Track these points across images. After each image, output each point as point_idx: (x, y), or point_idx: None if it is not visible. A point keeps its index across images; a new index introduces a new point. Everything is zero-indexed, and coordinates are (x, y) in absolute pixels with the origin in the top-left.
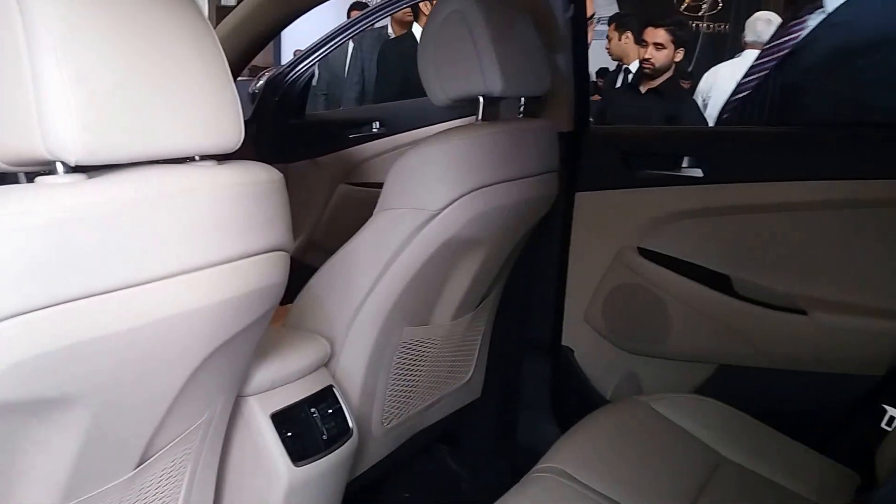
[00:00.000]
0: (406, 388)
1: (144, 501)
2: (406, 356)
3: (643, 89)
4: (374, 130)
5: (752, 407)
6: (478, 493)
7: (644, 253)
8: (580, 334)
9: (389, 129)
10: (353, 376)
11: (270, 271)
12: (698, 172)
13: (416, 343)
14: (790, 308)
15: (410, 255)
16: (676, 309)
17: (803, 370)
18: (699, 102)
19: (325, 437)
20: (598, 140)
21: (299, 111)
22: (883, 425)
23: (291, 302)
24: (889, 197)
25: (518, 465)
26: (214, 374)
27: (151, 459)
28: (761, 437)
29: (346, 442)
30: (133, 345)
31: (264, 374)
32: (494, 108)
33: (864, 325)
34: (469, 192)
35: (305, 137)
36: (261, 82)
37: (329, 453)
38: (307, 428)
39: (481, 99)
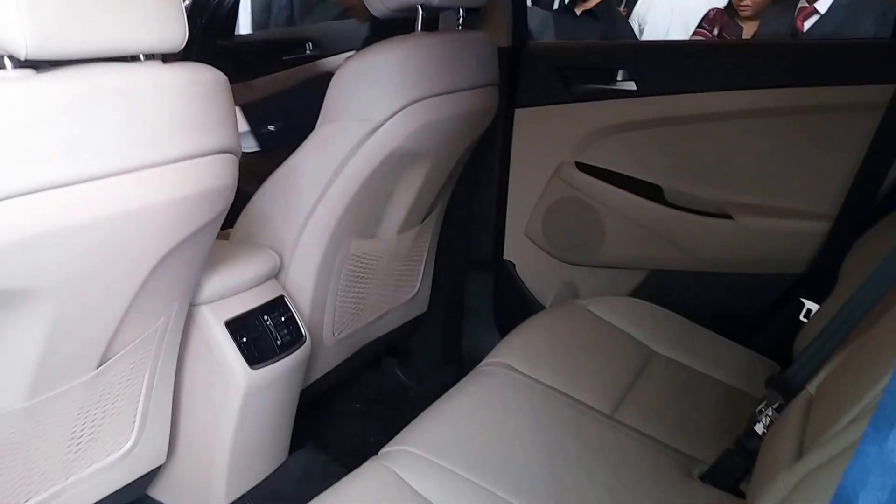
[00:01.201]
0: (355, 301)
1: (106, 404)
2: (354, 269)
3: (578, 11)
4: (308, 52)
5: (681, 307)
6: (425, 400)
7: (581, 167)
8: (521, 248)
9: (323, 51)
10: (303, 288)
11: (220, 172)
12: (632, 86)
13: (364, 256)
14: (717, 214)
15: (355, 168)
16: (612, 219)
17: (729, 271)
18: (635, 28)
19: (279, 342)
20: (536, 56)
21: (228, 32)
22: (801, 318)
23: (231, 227)
24: (807, 104)
25: (464, 374)
26: (170, 277)
27: (111, 360)
28: (689, 333)
29: (299, 347)
30: (91, 240)
31: (216, 284)
32: (433, 20)
33: (786, 227)
34: (411, 104)
35: (236, 60)
36: (186, 2)
37: (283, 358)
38: (261, 334)
39: (420, 9)
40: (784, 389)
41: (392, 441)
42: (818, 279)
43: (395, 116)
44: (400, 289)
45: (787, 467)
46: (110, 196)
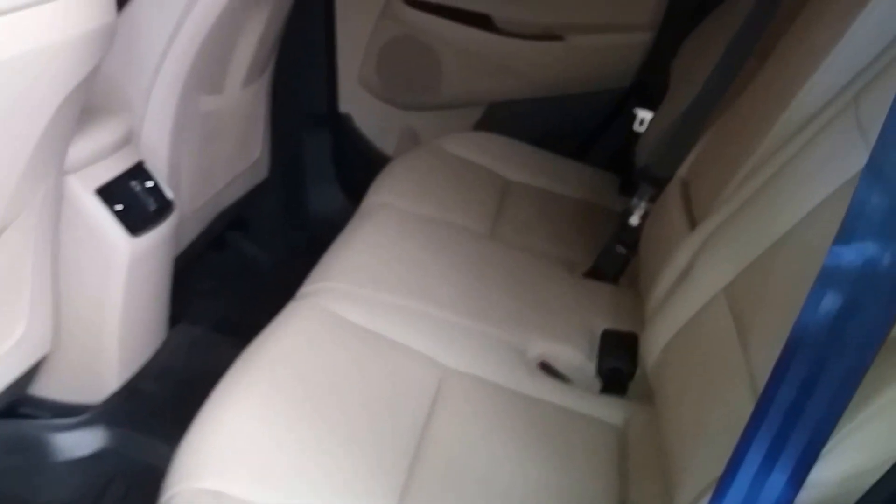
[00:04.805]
0: (208, 166)
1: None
2: (205, 130)
3: None
4: None
5: (523, 135)
6: (276, 268)
7: (410, 2)
8: (356, 98)
9: None
10: (159, 152)
11: (103, 8)
12: None
13: (213, 114)
14: (548, 36)
15: (201, 13)
16: (447, 55)
17: (563, 94)
18: None
19: (152, 209)
20: None
21: None
22: (636, 128)
23: None
24: None
25: (313, 236)
26: (53, 136)
27: (2, 236)
28: (536, 158)
29: (171, 214)
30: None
31: (77, 150)
32: None
33: (613, 41)
34: None
35: None
36: None
37: (160, 224)
38: (134, 201)
39: None
40: (654, 180)
41: (307, 281)
42: (648, 88)
43: None
44: (244, 150)
45: (686, 237)
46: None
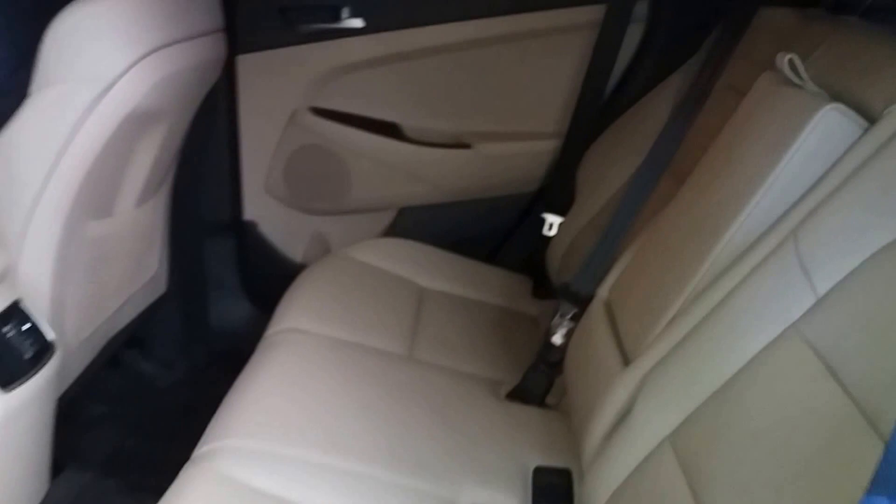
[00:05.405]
0: (97, 293)
1: None
2: (93, 256)
3: None
4: None
5: (434, 240)
6: (175, 387)
7: (318, 112)
8: (262, 205)
9: None
10: (39, 287)
11: None
12: (359, 23)
13: (103, 239)
14: (457, 144)
15: (88, 137)
16: (356, 162)
17: (472, 198)
18: None
19: (27, 356)
20: None
21: None
22: (545, 232)
23: None
24: (526, 30)
25: (215, 350)
26: None
27: None
28: (447, 263)
29: (51, 358)
30: None
31: None
32: None
33: (520, 149)
34: (145, 56)
35: None
36: None
37: (37, 373)
38: (6, 350)
39: None
40: (575, 298)
41: (203, 439)
42: (555, 194)
43: (131, 72)
44: (140, 269)
45: (619, 371)
46: None
